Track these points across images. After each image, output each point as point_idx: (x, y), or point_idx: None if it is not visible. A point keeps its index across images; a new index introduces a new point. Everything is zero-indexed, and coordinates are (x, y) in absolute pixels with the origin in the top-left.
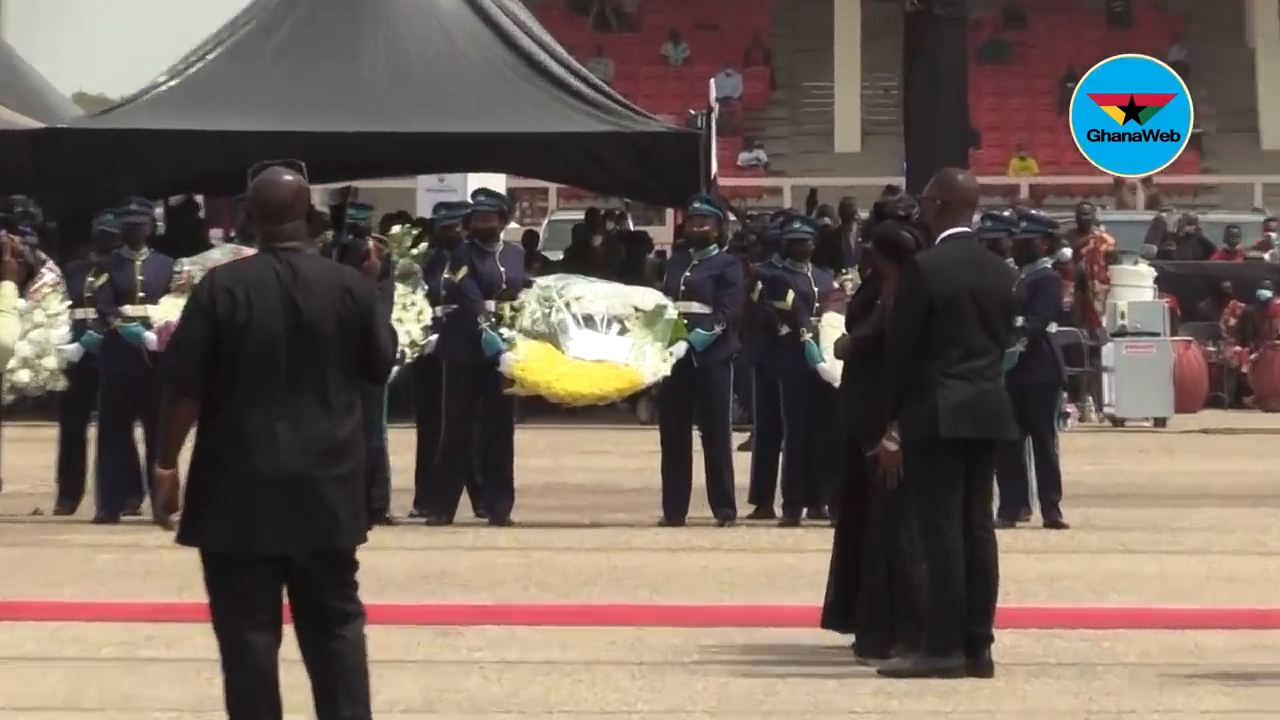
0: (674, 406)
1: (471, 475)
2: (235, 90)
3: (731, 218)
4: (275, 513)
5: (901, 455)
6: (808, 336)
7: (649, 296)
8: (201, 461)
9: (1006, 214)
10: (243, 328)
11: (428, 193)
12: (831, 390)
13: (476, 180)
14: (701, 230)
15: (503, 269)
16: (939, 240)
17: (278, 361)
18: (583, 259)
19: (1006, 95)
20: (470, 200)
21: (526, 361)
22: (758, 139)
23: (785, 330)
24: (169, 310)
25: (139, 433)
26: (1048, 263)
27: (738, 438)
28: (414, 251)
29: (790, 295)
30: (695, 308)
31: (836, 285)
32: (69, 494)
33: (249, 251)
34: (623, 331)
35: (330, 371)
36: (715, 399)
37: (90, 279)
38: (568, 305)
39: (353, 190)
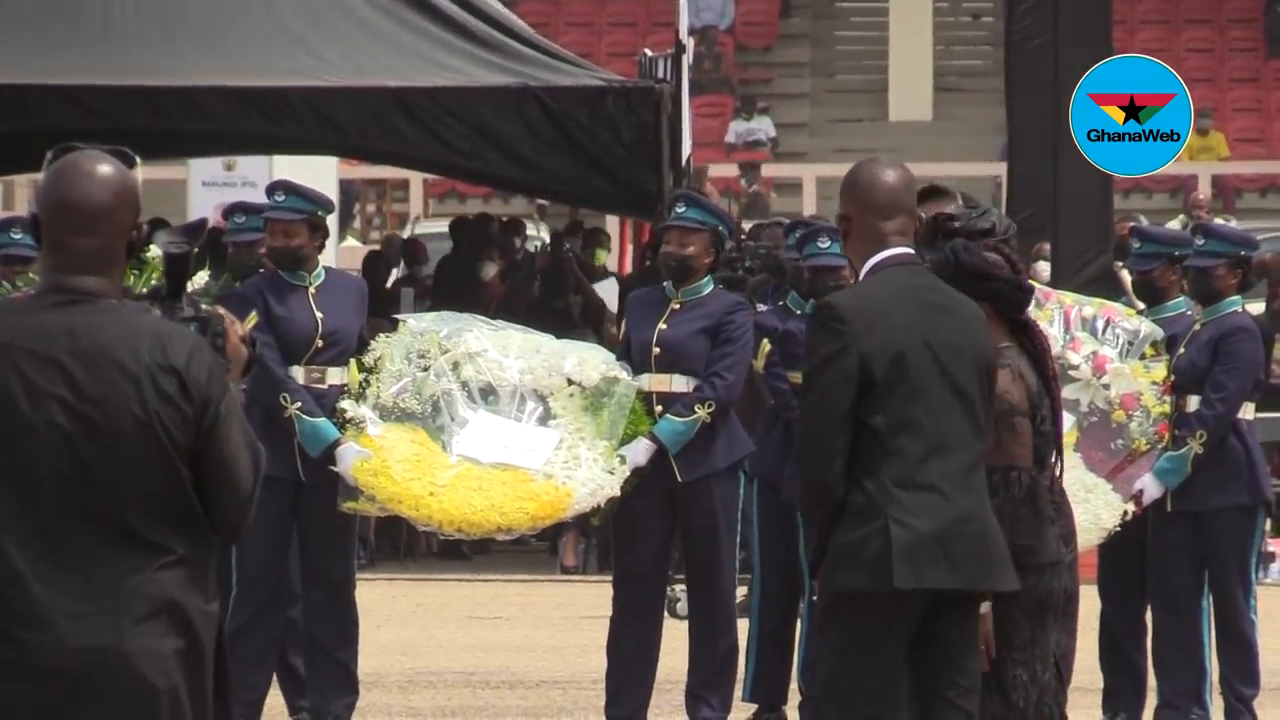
0: (634, 546)
1: (285, 656)
2: None
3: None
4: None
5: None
6: None
7: (593, 359)
8: None
9: (1173, 226)
10: None
11: (206, 187)
12: None
13: (288, 167)
14: (684, 253)
15: (320, 314)
16: (864, 273)
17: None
18: (464, 300)
19: (1178, 27)
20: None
21: (381, 459)
22: (761, 98)
23: None
24: None
25: None
26: (1239, 305)
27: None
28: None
29: None
30: (678, 383)
31: None
32: None
33: None
34: (547, 417)
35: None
36: (709, 533)
37: None
38: (456, 367)
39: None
